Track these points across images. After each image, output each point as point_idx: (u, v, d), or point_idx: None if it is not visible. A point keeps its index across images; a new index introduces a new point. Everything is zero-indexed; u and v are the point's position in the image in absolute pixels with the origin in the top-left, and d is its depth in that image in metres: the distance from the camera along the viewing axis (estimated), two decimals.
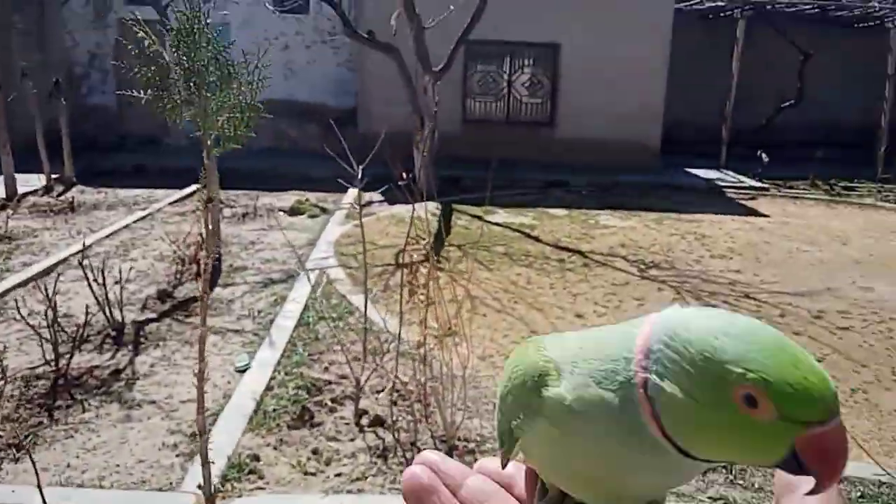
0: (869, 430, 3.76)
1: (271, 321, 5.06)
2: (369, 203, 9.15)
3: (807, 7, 13.82)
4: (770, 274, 6.74)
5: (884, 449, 3.54)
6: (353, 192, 9.36)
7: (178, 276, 5.86)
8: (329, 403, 3.91)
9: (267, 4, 10.29)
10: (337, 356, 4.40)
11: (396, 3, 9.32)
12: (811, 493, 0.38)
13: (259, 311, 5.30)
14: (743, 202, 10.68)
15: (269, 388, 4.04)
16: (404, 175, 3.67)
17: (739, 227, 8.81)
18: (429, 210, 8.78)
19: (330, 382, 4.14)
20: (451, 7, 9.14)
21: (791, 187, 11.83)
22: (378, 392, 3.98)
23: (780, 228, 8.80)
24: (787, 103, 13.80)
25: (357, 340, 4.47)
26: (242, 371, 4.30)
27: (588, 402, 0.42)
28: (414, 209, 4.19)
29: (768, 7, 13.69)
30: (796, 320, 5.49)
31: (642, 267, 6.85)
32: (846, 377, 4.45)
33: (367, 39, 10.02)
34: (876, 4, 13.61)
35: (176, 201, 9.01)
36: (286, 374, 4.22)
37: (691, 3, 13.74)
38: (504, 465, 0.51)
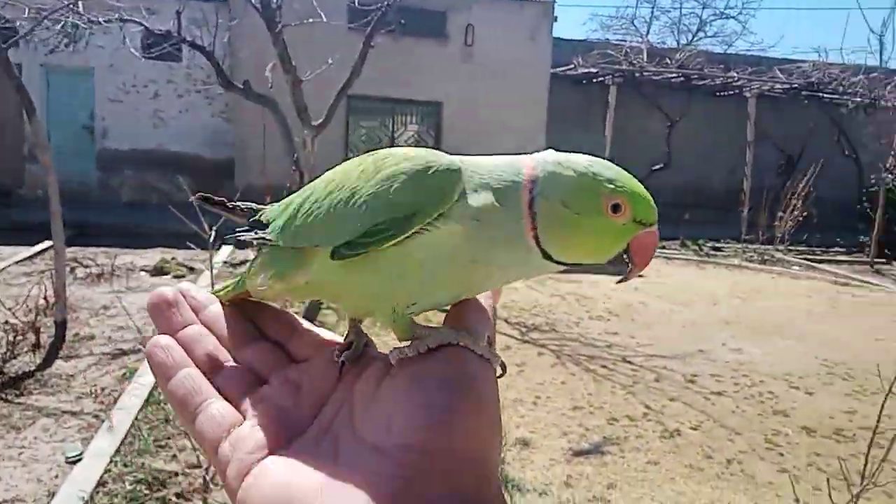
0: None
1: (115, 400, 4.49)
2: (244, 262, 8.64)
3: (672, 76, 14.73)
4: (646, 336, 6.81)
5: None
6: (226, 250, 8.84)
7: (12, 347, 5.15)
8: (174, 500, 3.43)
9: (132, 50, 9.70)
10: (188, 441, 3.91)
11: (272, 54, 9.04)
12: (625, 279, 0.55)
13: (103, 389, 4.71)
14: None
15: (101, 483, 3.50)
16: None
17: (617, 287, 8.97)
18: None
19: (177, 474, 3.65)
20: (330, 60, 8.96)
21: (663, 247, 12.31)
22: None
23: (654, 289, 9.02)
24: (658, 166, 14.50)
25: None
26: (74, 462, 3.73)
27: (487, 211, 0.51)
28: None
29: (637, 75, 14.47)
30: (671, 385, 5.49)
31: (523, 330, 6.75)
32: (721, 446, 4.43)
33: (241, 90, 9.63)
34: (735, 74, 14.68)
35: (23, 260, 8.14)
36: (125, 465, 3.69)
37: (566, 69, 14.30)
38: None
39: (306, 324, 0.57)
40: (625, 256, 0.53)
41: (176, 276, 7.81)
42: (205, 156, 12.50)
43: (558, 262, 0.52)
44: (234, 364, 0.54)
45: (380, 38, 9.82)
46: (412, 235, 0.50)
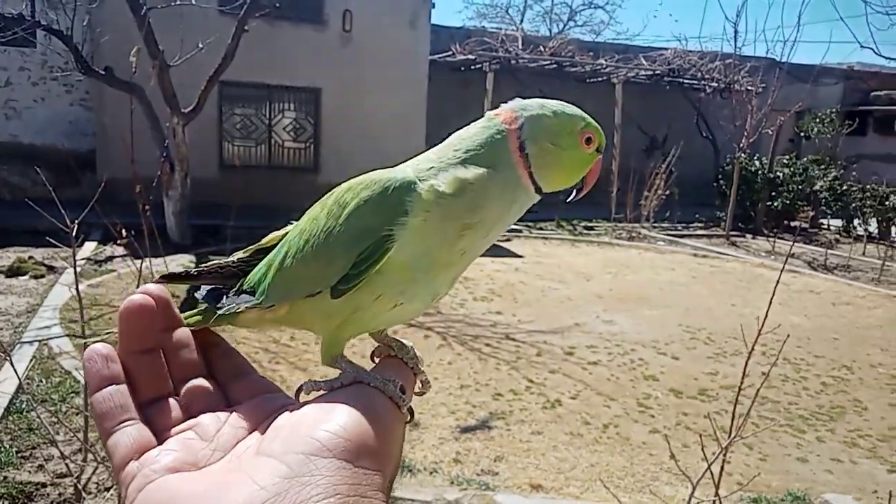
0: (622, 466, 3.92)
1: None
2: (110, 258, 8.17)
3: (545, 63, 15.19)
4: (526, 313, 7.04)
5: (637, 486, 3.69)
6: (89, 247, 8.32)
7: None
8: None
9: None
10: (56, 449, 3.67)
11: (138, 38, 8.54)
12: (576, 196, 0.65)
13: None
14: (499, 243, 11.24)
15: None
16: (122, 232, 3.15)
17: (498, 268, 9.20)
18: (181, 264, 8.06)
19: (44, 485, 3.42)
20: (200, 44, 8.58)
21: (540, 228, 12.74)
22: (107, 489, 3.37)
23: (533, 268, 9.34)
24: None
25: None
26: None
27: (467, 178, 0.57)
28: (146, 264, 3.66)
29: (512, 62, 14.82)
30: (551, 358, 5.72)
31: None
32: (598, 413, 4.67)
33: (103, 76, 9.07)
34: (603, 62, 15.34)
35: None
36: None
37: (444, 55, 14.43)
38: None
39: (252, 370, 0.59)
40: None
41: (34, 277, 7.27)
42: (63, 147, 11.68)
43: (542, 194, 0.61)
44: (174, 397, 0.54)
45: (254, 23, 9.53)
46: (391, 247, 0.55)
